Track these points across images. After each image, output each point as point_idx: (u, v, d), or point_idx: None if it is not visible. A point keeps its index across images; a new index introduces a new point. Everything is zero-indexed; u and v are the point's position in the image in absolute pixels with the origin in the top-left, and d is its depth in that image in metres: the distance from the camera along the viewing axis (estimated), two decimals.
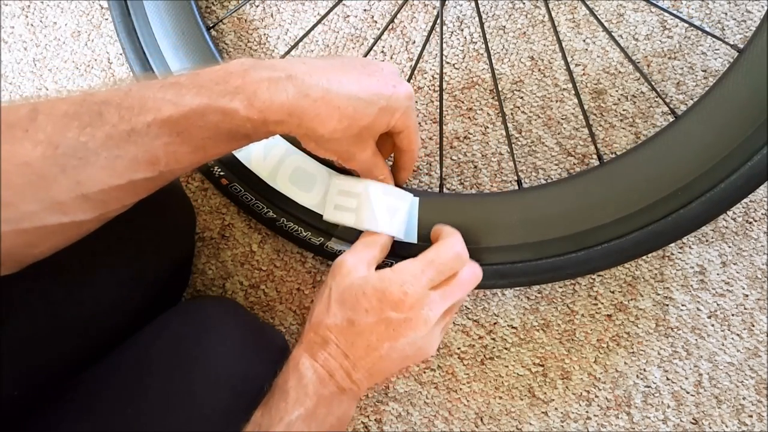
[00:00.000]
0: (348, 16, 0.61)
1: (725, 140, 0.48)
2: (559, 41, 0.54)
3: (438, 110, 0.58)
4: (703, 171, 0.49)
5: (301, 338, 0.45)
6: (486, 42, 0.56)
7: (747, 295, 0.57)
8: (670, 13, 0.56)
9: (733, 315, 0.57)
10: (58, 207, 0.34)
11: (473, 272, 0.47)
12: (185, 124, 0.37)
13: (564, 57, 0.54)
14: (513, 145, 0.58)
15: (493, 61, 0.59)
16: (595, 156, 0.58)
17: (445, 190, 0.59)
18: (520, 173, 0.58)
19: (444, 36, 0.60)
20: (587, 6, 0.54)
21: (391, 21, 0.57)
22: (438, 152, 0.58)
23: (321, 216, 0.52)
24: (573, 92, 0.58)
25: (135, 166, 0.36)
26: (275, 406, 0.40)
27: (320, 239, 0.54)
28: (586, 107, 0.57)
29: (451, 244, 0.46)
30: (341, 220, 0.50)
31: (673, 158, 0.50)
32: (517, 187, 0.56)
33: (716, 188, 0.49)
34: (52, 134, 0.33)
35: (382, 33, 0.58)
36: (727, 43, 0.53)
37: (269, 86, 0.38)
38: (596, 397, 0.58)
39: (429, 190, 0.59)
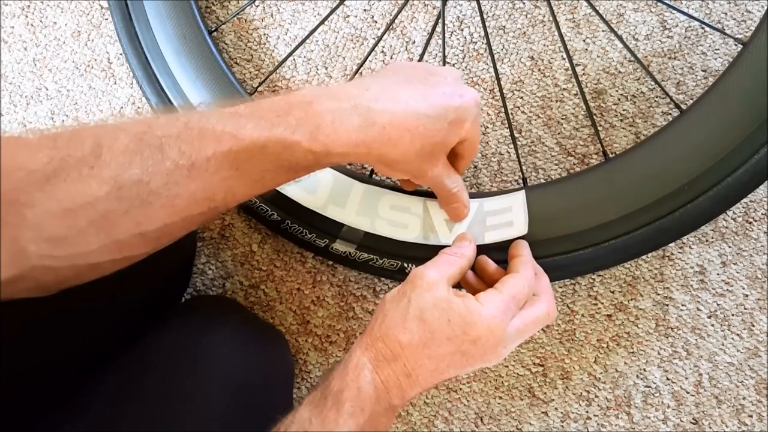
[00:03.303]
0: (348, 16, 0.61)
1: (732, 134, 0.48)
2: (563, 39, 0.54)
3: None
4: (710, 165, 0.49)
5: (364, 339, 0.42)
6: (488, 42, 0.56)
7: (747, 295, 0.57)
8: (673, 8, 0.56)
9: (733, 315, 0.57)
10: (115, 246, 0.34)
11: (550, 312, 0.45)
12: (245, 156, 0.36)
13: (568, 56, 0.54)
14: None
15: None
16: (595, 155, 0.58)
17: None
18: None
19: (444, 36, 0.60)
20: (591, 5, 0.54)
21: (393, 21, 0.57)
22: None
23: (324, 217, 0.52)
24: (573, 92, 0.58)
25: (193, 204, 0.35)
26: (327, 413, 0.39)
27: (325, 241, 0.54)
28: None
29: (529, 274, 0.45)
30: (398, 235, 0.51)
31: (679, 153, 0.50)
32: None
33: (723, 182, 0.49)
34: (117, 172, 0.33)
35: (383, 33, 0.58)
36: (731, 37, 0.53)
37: (333, 119, 0.37)
38: (596, 397, 0.58)
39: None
